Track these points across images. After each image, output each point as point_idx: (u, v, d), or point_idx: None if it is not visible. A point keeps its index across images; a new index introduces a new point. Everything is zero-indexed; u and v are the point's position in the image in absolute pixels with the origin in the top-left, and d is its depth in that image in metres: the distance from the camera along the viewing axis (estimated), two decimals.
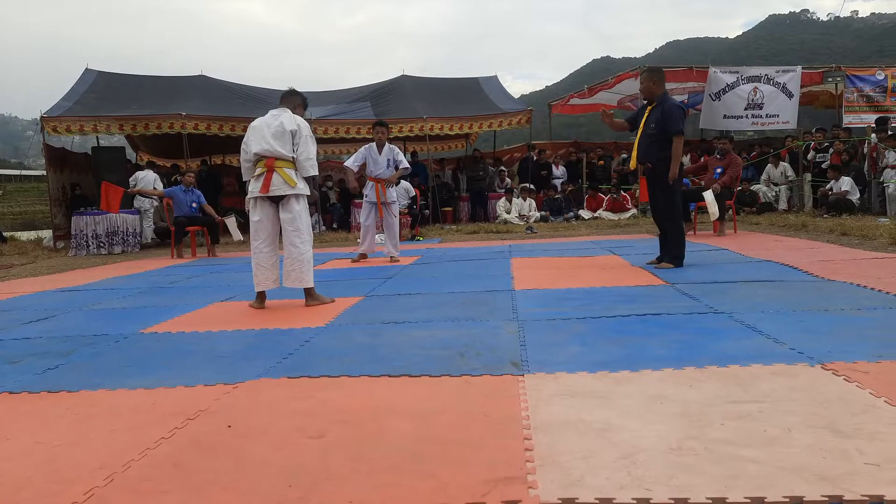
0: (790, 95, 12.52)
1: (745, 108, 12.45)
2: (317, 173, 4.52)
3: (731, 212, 8.86)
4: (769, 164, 12.66)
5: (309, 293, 4.44)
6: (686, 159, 13.64)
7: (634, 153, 5.55)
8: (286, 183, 4.25)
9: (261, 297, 4.44)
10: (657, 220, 5.68)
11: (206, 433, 2.06)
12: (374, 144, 7.05)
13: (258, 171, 4.31)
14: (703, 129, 16.40)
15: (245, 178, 4.47)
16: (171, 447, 1.95)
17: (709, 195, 8.05)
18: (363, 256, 7.22)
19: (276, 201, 4.33)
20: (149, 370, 2.87)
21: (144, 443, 1.98)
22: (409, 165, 7.47)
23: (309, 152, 4.33)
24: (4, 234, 14.15)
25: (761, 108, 12.48)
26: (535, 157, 14.36)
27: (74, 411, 2.36)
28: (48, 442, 2.05)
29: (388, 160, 7.01)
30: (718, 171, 8.51)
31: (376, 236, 7.43)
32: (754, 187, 12.49)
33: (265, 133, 4.28)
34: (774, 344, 2.79)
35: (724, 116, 12.51)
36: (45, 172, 12.88)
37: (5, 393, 2.61)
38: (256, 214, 4.35)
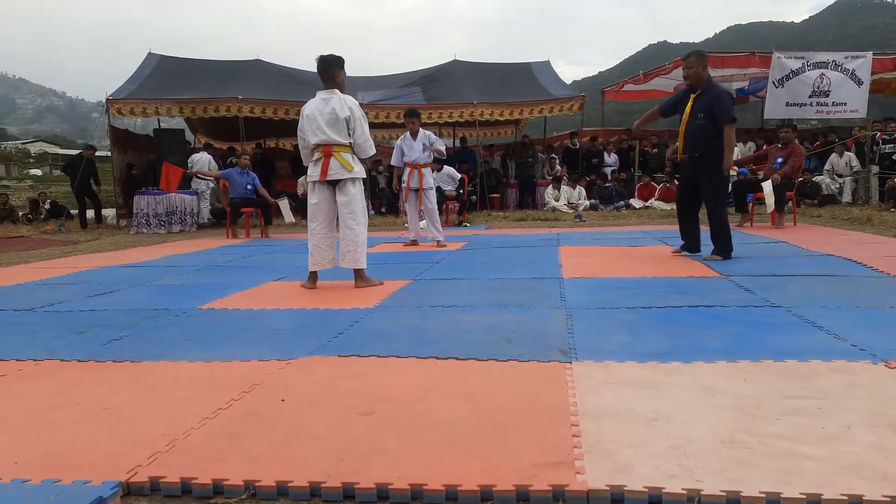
0: (860, 83, 11.92)
1: (810, 96, 11.92)
2: (374, 152, 4.64)
3: (790, 203, 8.54)
4: (833, 154, 12.13)
5: (359, 274, 4.53)
6: (736, 149, 13.20)
7: (681, 143, 5.35)
8: (343, 167, 4.36)
9: (313, 277, 4.54)
10: (685, 211, 5.49)
11: (261, 406, 2.13)
12: (408, 133, 7.16)
13: (316, 156, 4.42)
14: (765, 118, 15.84)
15: (305, 163, 4.58)
16: (228, 418, 2.03)
17: (767, 186, 7.78)
18: (414, 242, 7.28)
19: (334, 185, 4.44)
20: (207, 344, 2.98)
21: (203, 412, 2.06)
22: (443, 146, 7.44)
23: (365, 134, 4.42)
24: (71, 211, 14.84)
25: (828, 96, 11.93)
26: (577, 144, 14.13)
27: (138, 380, 2.47)
28: (114, 408, 2.16)
29: (424, 145, 7.05)
30: (779, 160, 8.19)
31: (420, 222, 7.47)
32: (817, 178, 11.98)
33: (320, 122, 4.35)
34: (835, 340, 2.70)
35: (787, 104, 12.01)
36: (109, 153, 13.40)
37: (74, 361, 2.76)
38: (314, 197, 4.47)
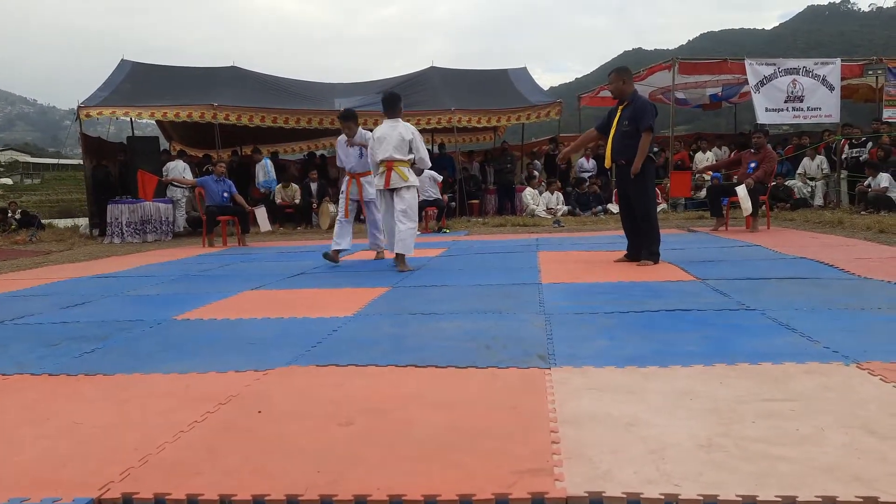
0: (831, 88, 12.18)
1: (785, 101, 12.15)
2: (430, 165, 6.17)
3: (764, 207, 8.69)
4: (805, 158, 12.37)
5: (401, 259, 5.60)
6: (710, 154, 13.40)
7: (608, 152, 5.59)
8: (401, 178, 5.57)
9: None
10: (625, 217, 5.67)
11: (237, 418, 2.10)
12: (343, 138, 6.35)
13: (381, 169, 5.63)
14: (738, 123, 16.11)
15: (374, 174, 5.88)
16: (204, 431, 2.00)
17: (741, 190, 7.91)
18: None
19: (392, 192, 5.64)
20: (182, 356, 2.93)
21: (178, 426, 2.03)
22: (368, 139, 6.01)
23: (423, 152, 5.71)
24: (43, 221, 14.54)
25: (802, 101, 12.16)
26: (556, 151, 14.23)
27: (111, 394, 2.42)
28: (86, 422, 2.11)
29: (361, 150, 6.24)
30: (752, 165, 8.34)
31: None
32: (789, 182, 12.22)
33: (388, 144, 5.55)
34: (808, 342, 2.74)
35: (766, 109, 12.22)
36: (81, 161, 13.17)
37: (45, 374, 2.69)
38: (381, 203, 5.91)
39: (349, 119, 6.32)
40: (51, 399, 2.39)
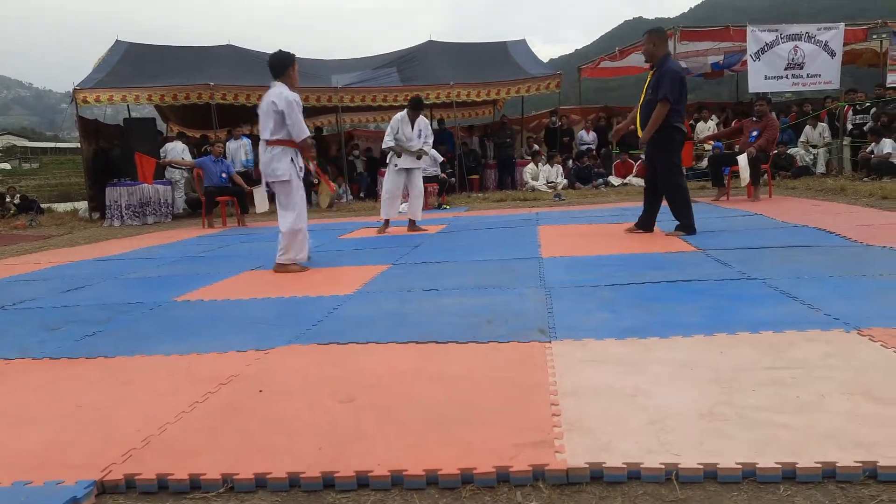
0: (832, 54, 12.01)
1: (786, 69, 11.99)
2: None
3: (766, 176, 8.62)
4: (807, 126, 12.24)
5: (415, 225, 6.84)
6: (711, 123, 13.26)
7: (637, 121, 5.44)
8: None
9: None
10: (647, 187, 5.56)
11: (238, 398, 2.11)
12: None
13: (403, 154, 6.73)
14: (740, 92, 15.94)
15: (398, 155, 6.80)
16: (205, 411, 2.00)
17: (742, 159, 7.84)
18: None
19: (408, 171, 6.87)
20: (183, 337, 2.93)
21: (179, 406, 2.03)
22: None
23: (430, 145, 7.03)
24: (42, 205, 14.52)
25: (802, 68, 12.01)
26: (557, 123, 14.11)
27: (112, 376, 2.43)
28: (88, 405, 2.12)
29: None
30: (754, 133, 8.26)
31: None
32: (791, 150, 12.11)
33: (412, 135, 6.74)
34: (809, 310, 2.73)
35: (766, 77, 12.06)
36: (79, 144, 13.10)
37: (46, 359, 2.70)
38: (400, 176, 6.92)
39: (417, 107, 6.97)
40: (53, 382, 2.39)
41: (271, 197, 5.24)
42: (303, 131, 4.62)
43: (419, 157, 6.93)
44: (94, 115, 12.94)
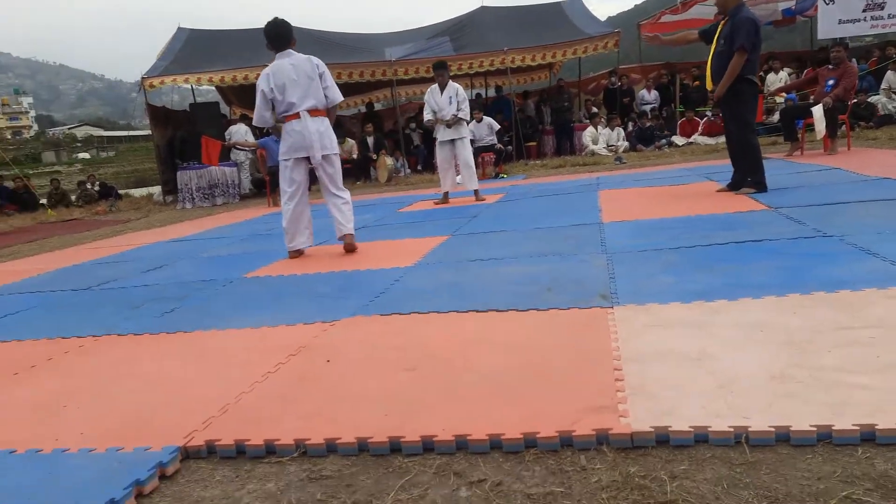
0: None
1: (864, 10, 11.15)
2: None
3: (844, 127, 8.11)
4: (889, 71, 11.38)
5: (478, 194, 6.99)
6: (783, 74, 12.51)
7: (708, 73, 5.18)
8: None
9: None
10: (729, 144, 5.32)
11: (307, 368, 2.19)
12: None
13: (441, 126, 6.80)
14: (814, 40, 14.94)
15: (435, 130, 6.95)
16: (278, 380, 2.09)
17: (817, 110, 7.39)
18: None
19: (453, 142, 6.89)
20: (254, 311, 3.06)
21: (253, 377, 2.13)
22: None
23: (466, 112, 6.82)
24: (119, 191, 15.30)
25: (883, 8, 11.14)
26: (617, 83, 13.64)
27: (190, 349, 2.57)
28: (169, 377, 2.25)
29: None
30: (830, 82, 7.74)
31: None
32: (872, 99, 11.31)
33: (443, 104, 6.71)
34: (890, 266, 2.58)
35: (840, 21, 11.26)
36: (150, 132, 13.67)
37: (130, 335, 2.87)
38: (444, 148, 6.94)
39: (442, 67, 6.95)
40: (136, 357, 2.55)
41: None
42: (339, 94, 4.44)
43: (450, 126, 6.81)
44: (161, 103, 13.47)
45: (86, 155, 38.60)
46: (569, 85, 14.93)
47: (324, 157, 4.35)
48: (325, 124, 4.35)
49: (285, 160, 4.38)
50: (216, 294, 3.57)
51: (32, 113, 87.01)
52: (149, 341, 2.75)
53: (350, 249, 4.41)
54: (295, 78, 4.21)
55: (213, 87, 14.48)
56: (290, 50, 4.29)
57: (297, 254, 4.49)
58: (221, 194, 11.39)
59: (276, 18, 4.33)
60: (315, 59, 4.32)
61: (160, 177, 13.05)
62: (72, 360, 2.60)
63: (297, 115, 4.25)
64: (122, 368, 2.41)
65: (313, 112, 4.28)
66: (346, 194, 4.50)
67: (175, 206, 11.44)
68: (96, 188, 14.85)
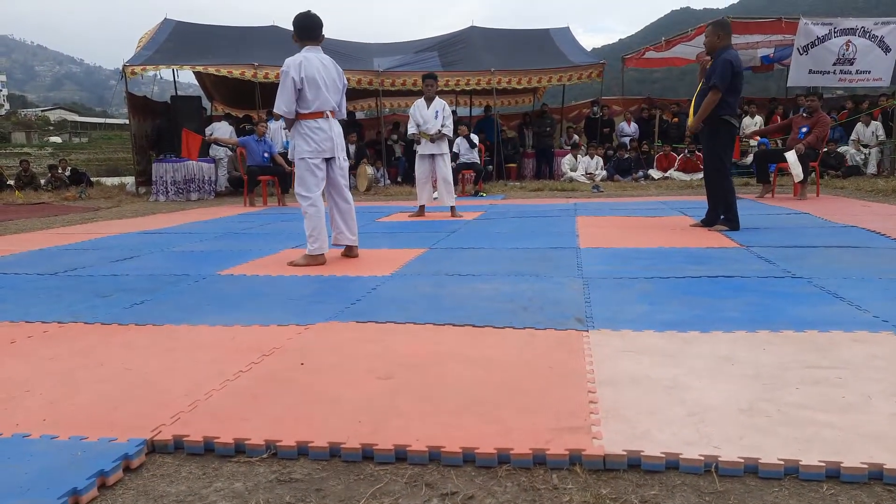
0: (887, 50, 11.55)
1: (834, 64, 11.59)
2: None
3: (814, 174, 8.38)
4: (859, 123, 11.83)
5: (455, 211, 7.02)
6: (758, 119, 12.89)
7: (691, 110, 5.37)
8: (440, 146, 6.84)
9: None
10: (706, 180, 5.47)
11: (280, 369, 2.16)
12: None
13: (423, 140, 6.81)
14: (789, 87, 15.45)
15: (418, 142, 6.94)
16: (249, 380, 2.06)
17: (791, 156, 7.63)
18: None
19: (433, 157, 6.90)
20: (227, 309, 3.01)
21: (224, 374, 2.10)
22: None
23: (450, 128, 6.90)
24: (91, 179, 14.97)
25: (852, 64, 11.59)
26: (599, 113, 13.90)
27: (160, 342, 2.52)
28: (137, 369, 2.20)
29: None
30: (804, 130, 8.01)
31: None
32: (841, 149, 11.73)
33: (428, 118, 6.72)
34: (856, 311, 2.66)
35: (811, 72, 11.69)
36: (127, 121, 13.43)
37: (98, 323, 2.81)
38: (424, 162, 6.94)
39: (432, 78, 6.97)
40: (104, 346, 2.49)
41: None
42: (346, 112, 4.49)
43: (433, 141, 6.81)
44: (142, 93, 13.25)
45: (57, 139, 37.73)
46: (552, 111, 15.14)
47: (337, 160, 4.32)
48: (338, 128, 4.28)
49: (313, 160, 4.17)
50: (188, 289, 3.51)
51: (5, 92, 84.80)
52: (117, 331, 2.69)
53: (352, 255, 4.49)
54: (324, 76, 4.13)
55: (196, 83, 14.33)
56: (318, 47, 4.21)
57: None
58: (196, 190, 11.22)
59: (308, 11, 4.24)
60: (339, 68, 4.30)
61: (134, 167, 12.81)
62: (36, 344, 2.53)
63: (322, 114, 4.14)
64: (88, 357, 2.35)
65: (333, 114, 4.23)
66: (352, 200, 4.51)
67: (148, 198, 11.23)
68: (67, 173, 14.51)
